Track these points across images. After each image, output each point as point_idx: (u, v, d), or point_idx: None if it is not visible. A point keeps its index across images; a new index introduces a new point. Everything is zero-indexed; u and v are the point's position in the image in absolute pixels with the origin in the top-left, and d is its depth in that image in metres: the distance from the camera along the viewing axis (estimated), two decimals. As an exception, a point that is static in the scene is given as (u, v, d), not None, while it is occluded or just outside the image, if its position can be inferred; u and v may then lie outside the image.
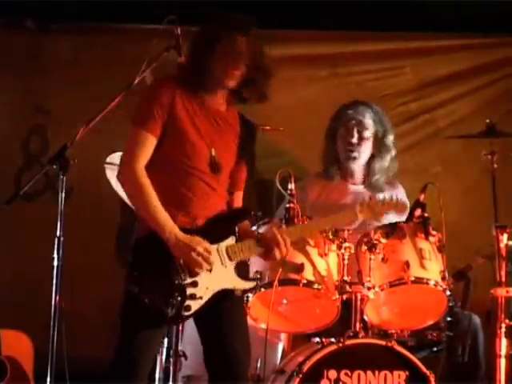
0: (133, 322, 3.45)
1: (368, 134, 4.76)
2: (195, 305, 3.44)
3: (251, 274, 4.12)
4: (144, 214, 3.48)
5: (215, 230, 3.53)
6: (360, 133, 4.76)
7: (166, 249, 3.43)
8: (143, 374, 3.51)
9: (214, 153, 3.56)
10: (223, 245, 3.51)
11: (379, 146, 4.77)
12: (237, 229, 3.56)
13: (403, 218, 4.37)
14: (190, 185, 3.52)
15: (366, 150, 4.76)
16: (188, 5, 4.54)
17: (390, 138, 4.80)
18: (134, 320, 3.45)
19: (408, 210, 4.16)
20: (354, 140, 4.75)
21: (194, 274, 3.43)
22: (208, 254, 3.44)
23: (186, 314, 3.43)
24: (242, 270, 3.60)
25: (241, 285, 3.55)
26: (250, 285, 3.61)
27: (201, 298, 3.44)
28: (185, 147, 3.53)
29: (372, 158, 4.77)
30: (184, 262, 3.42)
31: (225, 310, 3.53)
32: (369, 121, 4.76)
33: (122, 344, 3.48)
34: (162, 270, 3.43)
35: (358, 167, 4.80)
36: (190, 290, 3.43)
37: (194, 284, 3.44)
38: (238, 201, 3.74)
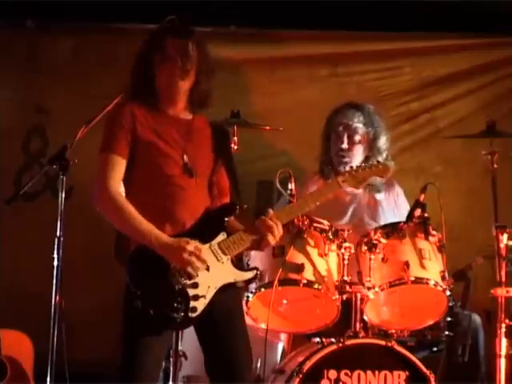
0: (138, 336, 3.45)
1: (358, 137, 4.76)
2: (200, 305, 3.45)
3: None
4: (128, 232, 3.51)
5: (204, 229, 3.54)
6: (350, 137, 4.76)
7: (158, 257, 3.44)
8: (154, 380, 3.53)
9: (186, 159, 3.59)
10: (215, 242, 3.52)
11: (371, 148, 4.77)
12: (226, 224, 3.57)
13: (402, 217, 4.39)
14: (169, 194, 3.55)
15: (357, 154, 4.76)
16: (188, 5, 4.54)
17: (383, 140, 4.79)
18: (140, 333, 3.45)
19: (390, 172, 4.11)
20: (344, 145, 4.76)
21: (191, 276, 3.44)
22: (199, 252, 3.44)
23: (194, 315, 3.45)
24: (239, 262, 3.61)
25: (241, 276, 3.57)
26: (249, 275, 3.59)
27: (204, 297, 3.46)
28: (156, 159, 3.56)
29: (366, 159, 4.77)
30: (178, 265, 3.44)
31: (222, 311, 3.53)
32: (358, 124, 4.76)
33: (127, 359, 3.46)
34: (160, 279, 3.44)
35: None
36: (191, 292, 3.44)
37: (195, 285, 3.45)
38: None
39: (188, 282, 3.44)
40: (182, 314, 3.42)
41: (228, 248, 3.52)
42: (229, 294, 3.54)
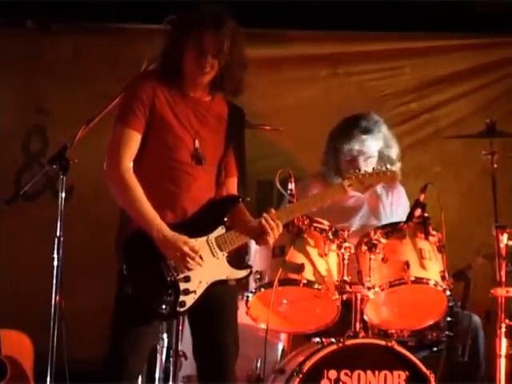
0: (125, 321, 3.46)
1: (373, 159, 4.71)
2: (189, 300, 3.44)
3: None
4: (132, 213, 3.46)
5: (204, 221, 3.52)
6: (365, 160, 4.71)
7: (155, 246, 3.42)
8: (135, 372, 3.52)
9: (197, 144, 3.55)
10: (213, 236, 3.51)
11: (382, 159, 4.75)
12: (226, 218, 3.55)
13: (404, 216, 4.39)
14: (176, 179, 3.51)
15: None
16: (188, 5, 4.54)
17: (393, 151, 4.77)
18: (127, 319, 3.45)
19: (398, 178, 4.10)
20: (361, 168, 4.71)
21: (183, 271, 3.44)
22: (194, 254, 3.42)
23: (182, 309, 3.44)
24: (235, 259, 3.58)
25: (234, 274, 3.54)
26: (243, 274, 3.57)
27: (194, 292, 3.45)
28: (168, 140, 3.52)
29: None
30: (172, 261, 3.43)
31: (215, 300, 3.51)
32: (373, 149, 4.71)
33: (113, 343, 3.48)
34: (154, 267, 3.43)
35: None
36: (183, 286, 3.43)
37: (187, 279, 3.44)
38: (233, 188, 3.70)
39: (181, 275, 3.43)
40: (170, 307, 3.41)
41: (225, 243, 3.51)
42: (222, 287, 3.53)
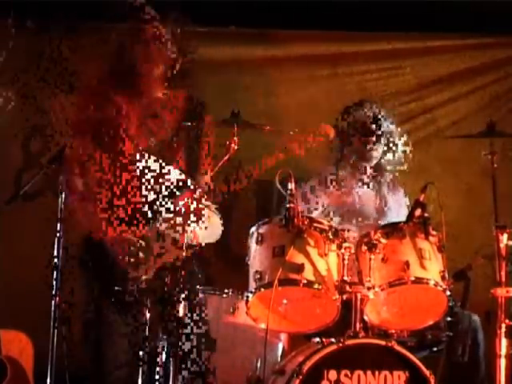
0: (98, 313, 3.64)
1: (380, 132, 4.78)
2: (141, 285, 3.56)
3: (251, 274, 4.14)
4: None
5: (152, 209, 3.63)
6: (376, 130, 4.77)
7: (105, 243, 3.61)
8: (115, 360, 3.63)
9: (149, 143, 3.72)
10: (159, 222, 3.63)
11: (388, 144, 4.79)
12: (172, 203, 3.65)
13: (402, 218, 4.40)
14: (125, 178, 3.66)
15: (380, 148, 4.80)
16: (188, 5, 4.54)
17: (396, 138, 4.81)
18: (98, 310, 3.64)
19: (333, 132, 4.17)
20: (373, 138, 4.78)
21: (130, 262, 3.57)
22: (137, 246, 3.55)
23: (132, 298, 3.56)
24: (177, 241, 3.65)
25: (176, 254, 3.60)
26: (186, 253, 3.63)
27: (145, 277, 3.58)
28: (119, 146, 3.69)
29: (384, 153, 4.82)
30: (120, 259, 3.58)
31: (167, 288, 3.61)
32: (382, 118, 4.79)
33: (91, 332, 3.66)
34: (106, 262, 3.58)
35: (369, 168, 4.85)
36: (132, 274, 3.57)
37: (135, 266, 3.57)
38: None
39: (129, 265, 3.56)
40: (123, 295, 3.55)
41: (169, 228, 3.58)
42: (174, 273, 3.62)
